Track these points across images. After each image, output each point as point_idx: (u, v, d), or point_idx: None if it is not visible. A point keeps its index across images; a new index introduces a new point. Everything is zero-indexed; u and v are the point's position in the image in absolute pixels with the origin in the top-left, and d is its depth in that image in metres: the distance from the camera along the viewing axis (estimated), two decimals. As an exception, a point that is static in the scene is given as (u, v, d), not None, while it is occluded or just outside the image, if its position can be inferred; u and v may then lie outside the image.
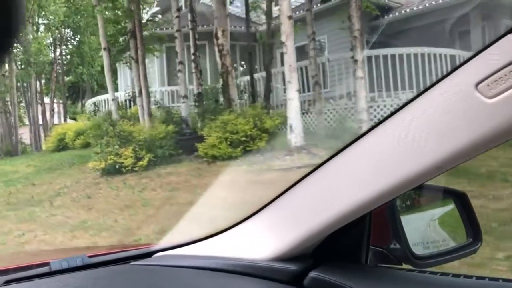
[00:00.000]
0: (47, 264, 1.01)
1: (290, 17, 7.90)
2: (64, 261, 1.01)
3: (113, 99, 11.81)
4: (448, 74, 0.64)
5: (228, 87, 9.36)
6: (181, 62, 10.70)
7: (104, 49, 11.50)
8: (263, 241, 0.93)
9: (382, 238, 0.99)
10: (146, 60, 11.91)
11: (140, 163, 8.34)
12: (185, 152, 8.75)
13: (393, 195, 0.75)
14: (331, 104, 10.19)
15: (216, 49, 9.28)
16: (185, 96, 10.58)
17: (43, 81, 23.29)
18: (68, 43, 24.64)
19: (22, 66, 20.43)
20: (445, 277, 0.81)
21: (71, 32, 23.50)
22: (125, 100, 14.88)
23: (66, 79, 25.71)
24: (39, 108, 23.25)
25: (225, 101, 9.41)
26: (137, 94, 12.19)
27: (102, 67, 27.68)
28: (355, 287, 0.81)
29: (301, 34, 9.98)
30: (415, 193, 1.11)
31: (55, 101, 23.86)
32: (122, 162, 8.45)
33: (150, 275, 0.99)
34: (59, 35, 21.69)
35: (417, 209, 1.15)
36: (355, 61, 8.20)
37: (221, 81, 9.48)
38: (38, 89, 22.65)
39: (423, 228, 1.14)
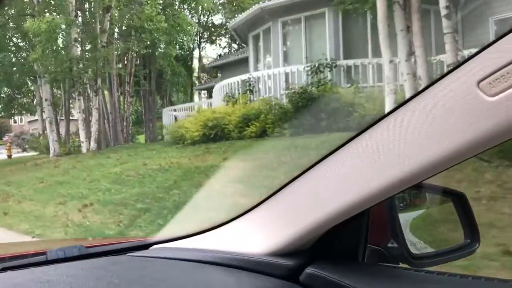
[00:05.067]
0: (44, 253, 1.00)
1: None
2: (61, 251, 1.01)
3: (390, 61, 7.96)
4: (450, 71, 0.63)
5: None
6: None
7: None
8: (260, 235, 0.92)
9: (380, 237, 0.98)
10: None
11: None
12: None
13: (391, 193, 0.74)
14: None
15: None
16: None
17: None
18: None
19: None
20: (442, 276, 0.80)
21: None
22: (311, 73, 11.10)
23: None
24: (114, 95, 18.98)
25: None
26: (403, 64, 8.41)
27: (183, 48, 23.73)
28: (351, 284, 0.80)
29: None
30: (414, 193, 1.11)
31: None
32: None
33: (146, 266, 0.99)
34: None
35: (416, 209, 1.14)
36: None
37: None
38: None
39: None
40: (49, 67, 13.36)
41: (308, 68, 11.32)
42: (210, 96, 23.48)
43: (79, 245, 1.05)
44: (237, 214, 0.98)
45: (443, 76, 0.64)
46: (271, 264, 0.88)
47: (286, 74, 11.89)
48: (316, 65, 11.25)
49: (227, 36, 28.27)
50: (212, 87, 22.38)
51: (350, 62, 11.31)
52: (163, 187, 7.30)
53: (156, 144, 14.75)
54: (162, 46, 19.73)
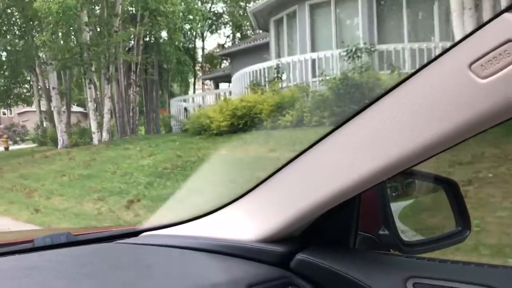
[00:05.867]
0: (31, 241, 0.97)
1: None
2: (48, 238, 0.98)
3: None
4: (442, 54, 0.63)
5: None
6: None
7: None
8: (250, 222, 0.92)
9: (371, 224, 0.97)
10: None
11: None
12: None
13: (381, 178, 0.74)
14: None
15: None
16: None
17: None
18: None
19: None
20: (433, 262, 0.80)
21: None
22: (348, 58, 10.35)
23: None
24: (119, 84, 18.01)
25: None
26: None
27: (186, 37, 22.79)
28: (342, 270, 0.81)
29: None
30: (406, 182, 1.11)
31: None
32: None
33: (135, 253, 0.99)
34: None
35: (407, 198, 1.15)
36: None
37: None
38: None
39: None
40: (58, 53, 12.38)
41: (345, 54, 10.60)
42: (216, 85, 22.70)
43: (67, 232, 1.02)
44: (228, 201, 0.96)
45: (434, 59, 0.62)
46: (262, 250, 0.87)
47: (319, 60, 11.19)
48: (353, 49, 10.54)
49: (230, 24, 27.45)
50: (219, 76, 21.72)
51: (391, 47, 10.64)
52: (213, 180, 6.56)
53: (171, 135, 13.90)
54: (165, 33, 18.81)
